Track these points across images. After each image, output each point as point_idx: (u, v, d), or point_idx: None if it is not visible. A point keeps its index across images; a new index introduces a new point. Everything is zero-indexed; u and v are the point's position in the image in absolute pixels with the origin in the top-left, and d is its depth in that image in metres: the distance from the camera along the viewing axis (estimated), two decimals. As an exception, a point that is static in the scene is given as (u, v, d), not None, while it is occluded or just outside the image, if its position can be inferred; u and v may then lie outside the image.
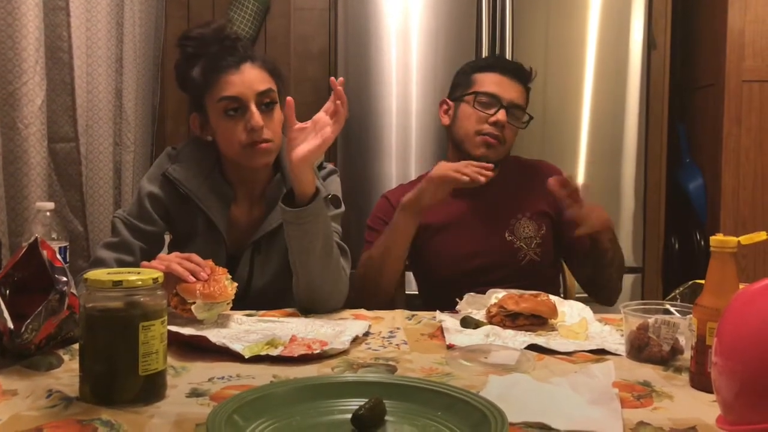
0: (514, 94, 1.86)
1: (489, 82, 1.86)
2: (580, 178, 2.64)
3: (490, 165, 1.69)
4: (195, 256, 1.39)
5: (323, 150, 1.49)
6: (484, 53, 2.54)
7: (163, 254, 1.42)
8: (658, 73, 2.76)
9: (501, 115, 1.82)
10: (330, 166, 1.74)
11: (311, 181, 1.48)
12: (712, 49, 2.80)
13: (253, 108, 1.55)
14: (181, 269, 1.34)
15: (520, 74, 1.91)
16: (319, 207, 1.47)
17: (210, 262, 1.40)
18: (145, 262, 1.39)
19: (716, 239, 1.04)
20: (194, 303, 1.32)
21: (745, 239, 1.05)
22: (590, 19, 2.64)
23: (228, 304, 1.36)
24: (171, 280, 1.32)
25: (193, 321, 1.35)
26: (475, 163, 1.69)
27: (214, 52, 1.58)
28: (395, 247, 1.76)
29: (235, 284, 1.38)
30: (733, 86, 2.68)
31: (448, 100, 1.96)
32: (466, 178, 1.65)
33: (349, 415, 0.85)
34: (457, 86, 1.94)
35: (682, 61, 3.05)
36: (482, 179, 1.65)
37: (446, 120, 1.93)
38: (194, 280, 1.34)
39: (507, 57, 2.47)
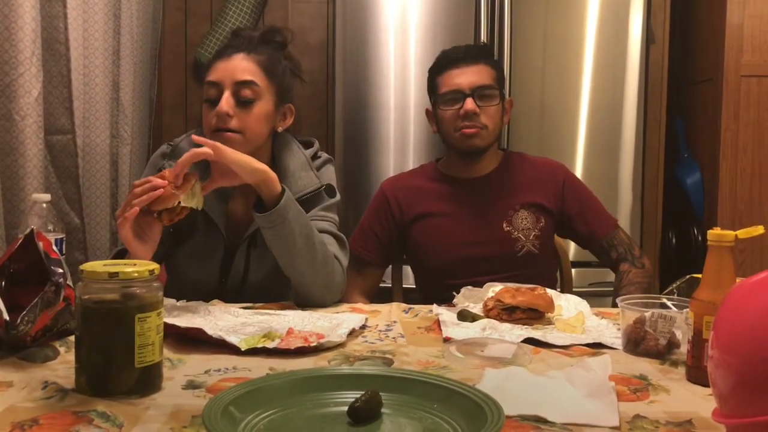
0: (475, 77, 1.83)
1: (448, 79, 1.85)
2: (578, 173, 2.64)
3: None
4: (136, 184, 1.36)
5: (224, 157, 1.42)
6: (483, 47, 2.54)
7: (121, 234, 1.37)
8: (656, 68, 2.76)
9: (468, 104, 1.80)
10: (325, 155, 1.73)
11: (267, 182, 1.45)
12: (710, 44, 2.80)
13: (226, 94, 1.54)
14: (146, 196, 1.33)
15: (475, 54, 1.87)
16: (286, 208, 1.45)
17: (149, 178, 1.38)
18: (119, 221, 1.37)
19: (714, 233, 1.04)
20: (179, 203, 1.33)
21: (743, 233, 1.04)
22: (589, 13, 2.64)
23: (198, 181, 1.38)
24: (139, 219, 1.34)
25: (190, 310, 1.36)
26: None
27: (228, 44, 1.60)
28: None
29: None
30: (732, 81, 2.68)
31: (429, 109, 1.96)
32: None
33: (346, 408, 0.85)
34: (429, 93, 1.94)
35: (681, 55, 3.05)
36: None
37: (434, 128, 1.94)
38: (162, 190, 1.33)
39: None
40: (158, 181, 1.34)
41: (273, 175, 1.47)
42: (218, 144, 1.41)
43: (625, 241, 1.90)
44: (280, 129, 1.65)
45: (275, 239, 1.48)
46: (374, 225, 1.93)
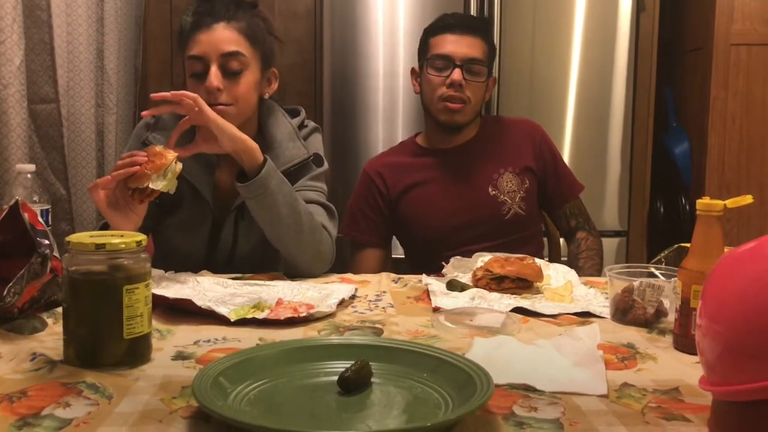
0: (468, 49, 1.82)
1: (441, 43, 1.83)
2: (567, 141, 2.64)
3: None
4: (123, 156, 1.37)
5: (215, 126, 1.43)
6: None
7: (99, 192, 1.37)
8: (646, 36, 2.74)
9: (456, 74, 1.79)
10: (312, 124, 1.71)
11: (247, 151, 1.44)
12: (701, 12, 2.78)
13: (213, 69, 1.51)
14: (123, 170, 1.33)
15: (473, 27, 1.87)
16: (267, 177, 1.44)
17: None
18: (90, 185, 1.38)
19: (702, 202, 1.04)
20: (147, 184, 1.33)
21: (731, 203, 1.05)
22: (579, -20, 2.61)
23: (177, 163, 1.36)
24: (121, 193, 1.34)
25: (179, 281, 1.36)
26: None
27: (201, 11, 1.55)
28: None
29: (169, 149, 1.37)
30: (722, 50, 2.67)
31: (416, 68, 1.94)
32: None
33: (336, 378, 0.85)
34: (419, 53, 1.92)
35: (671, 24, 3.03)
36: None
37: (417, 88, 1.93)
38: (138, 167, 1.32)
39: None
40: (138, 158, 1.33)
41: (253, 144, 1.46)
42: (203, 105, 1.41)
43: (584, 211, 1.96)
44: (267, 95, 1.63)
45: (258, 209, 1.47)
46: (364, 207, 1.92)
